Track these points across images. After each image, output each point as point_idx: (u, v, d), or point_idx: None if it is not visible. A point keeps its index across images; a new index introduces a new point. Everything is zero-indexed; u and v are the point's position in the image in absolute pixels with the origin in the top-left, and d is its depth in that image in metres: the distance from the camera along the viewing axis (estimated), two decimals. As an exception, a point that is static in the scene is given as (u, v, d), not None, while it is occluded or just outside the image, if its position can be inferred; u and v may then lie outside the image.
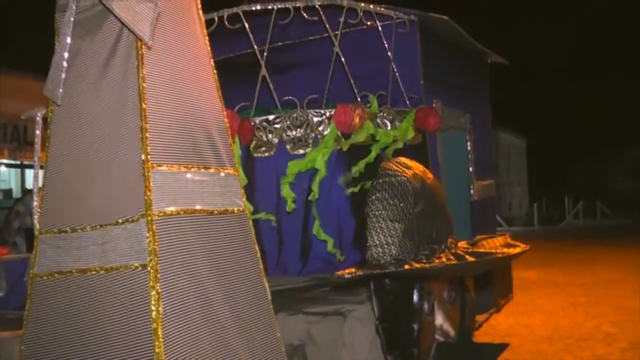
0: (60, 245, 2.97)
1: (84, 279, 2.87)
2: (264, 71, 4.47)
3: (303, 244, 4.44)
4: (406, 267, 3.77)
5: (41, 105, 3.90)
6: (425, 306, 4.09)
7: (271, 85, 4.49)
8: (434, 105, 5.54)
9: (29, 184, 11.32)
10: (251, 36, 4.56)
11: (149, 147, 2.75)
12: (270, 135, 4.41)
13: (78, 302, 2.87)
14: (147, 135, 2.75)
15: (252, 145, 4.45)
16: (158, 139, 2.81)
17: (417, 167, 4.45)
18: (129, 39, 2.88)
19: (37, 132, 3.89)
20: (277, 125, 4.43)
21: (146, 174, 2.72)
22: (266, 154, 4.41)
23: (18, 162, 11.83)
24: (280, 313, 3.30)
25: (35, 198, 3.84)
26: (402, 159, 4.48)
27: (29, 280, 3.08)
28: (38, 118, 3.89)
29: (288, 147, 4.42)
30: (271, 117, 4.43)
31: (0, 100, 10.00)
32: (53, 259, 2.99)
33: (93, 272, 2.84)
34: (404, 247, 3.94)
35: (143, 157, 2.73)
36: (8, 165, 13.09)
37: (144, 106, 2.78)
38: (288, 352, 3.27)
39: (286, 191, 4.24)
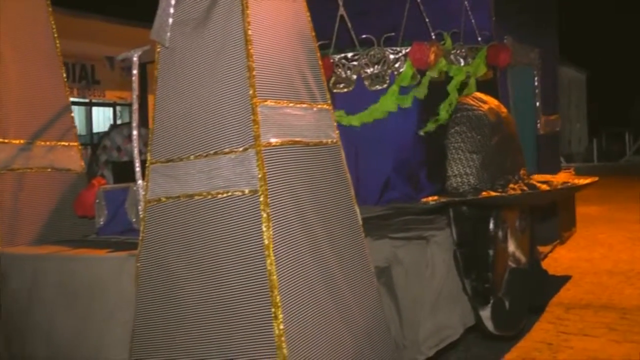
0: (168, 173, 3.28)
1: (191, 204, 3.17)
2: (342, 10, 4.64)
3: (381, 175, 4.68)
4: (484, 194, 3.99)
5: (136, 47, 4.17)
6: (500, 233, 4.31)
7: (349, 24, 4.66)
8: (505, 41, 5.62)
9: (96, 121, 11.78)
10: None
11: (256, 85, 2.99)
12: (348, 72, 4.60)
13: (187, 225, 3.18)
14: (253, 73, 2.99)
15: (331, 82, 4.66)
16: (262, 77, 3.05)
17: (492, 102, 4.61)
18: (233, -17, 3.09)
19: (134, 71, 4.14)
20: (355, 63, 4.62)
21: (254, 108, 2.97)
22: (345, 90, 4.62)
23: (86, 100, 12.16)
24: (367, 238, 3.57)
25: (134, 132, 4.16)
26: (478, 94, 4.64)
27: (143, 205, 3.41)
28: (135, 59, 4.14)
29: (366, 83, 4.62)
30: (349, 55, 4.62)
31: (69, 42, 10.36)
32: (162, 186, 3.31)
33: (199, 197, 3.14)
34: (481, 177, 4.14)
35: (251, 92, 2.98)
36: (75, 104, 13.61)
37: (249, 47, 3.01)
38: (375, 274, 3.56)
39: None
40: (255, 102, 2.98)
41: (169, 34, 3.29)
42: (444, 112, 4.72)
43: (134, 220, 4.05)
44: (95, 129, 11.20)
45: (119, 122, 12.15)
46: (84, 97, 11.82)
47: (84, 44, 8.37)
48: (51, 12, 4.79)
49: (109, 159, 5.60)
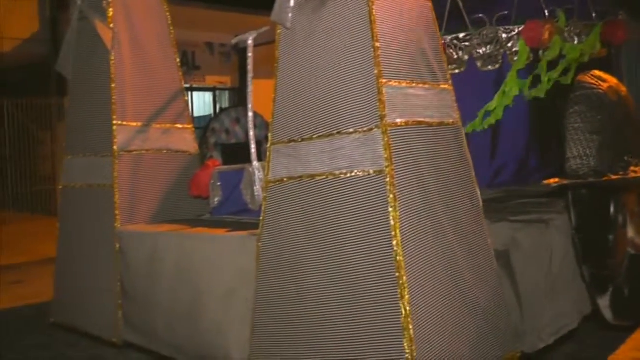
0: (290, 153, 3.31)
1: (313, 184, 3.20)
2: (453, -9, 4.55)
3: (492, 157, 4.58)
4: (605, 178, 3.82)
5: (252, 31, 4.24)
6: (620, 218, 4.13)
7: (460, 3, 4.56)
8: (620, 17, 5.37)
9: (197, 106, 12.04)
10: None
11: (380, 65, 2.98)
12: (460, 53, 4.52)
13: (310, 205, 3.21)
14: (379, 53, 2.98)
15: (443, 63, 4.58)
16: (387, 58, 3.03)
17: (612, 80, 4.40)
18: (356, -35, 3.08)
19: (250, 54, 4.22)
20: (467, 43, 4.52)
21: (380, 88, 2.96)
22: (457, 71, 4.53)
23: (187, 86, 12.54)
24: (486, 220, 3.50)
25: (250, 114, 4.24)
26: (597, 72, 4.45)
27: (264, 185, 3.47)
28: (250, 42, 4.21)
29: (478, 64, 4.52)
30: (461, 35, 4.53)
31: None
32: (284, 166, 3.34)
33: (322, 177, 3.16)
34: (602, 159, 3.97)
35: (376, 72, 2.96)
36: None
37: (374, 27, 2.99)
38: (494, 257, 3.50)
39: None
40: (381, 82, 2.97)
41: (290, 15, 3.31)
42: (545, 79, 4.54)
43: (249, 201, 4.13)
44: (196, 114, 11.51)
45: (218, 106, 12.44)
46: (185, 83, 12.18)
47: (184, 31, 8.59)
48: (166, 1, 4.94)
49: (217, 141, 5.74)
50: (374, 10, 3.01)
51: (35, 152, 11.74)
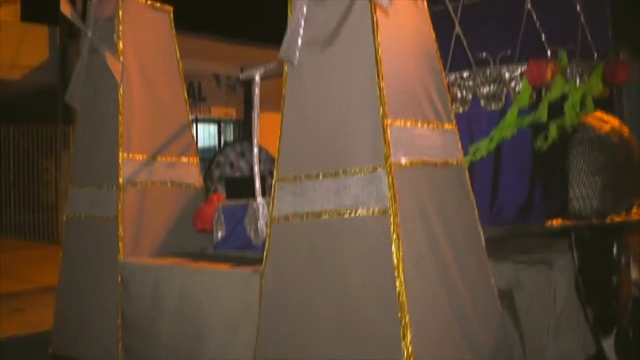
0: (296, 191, 3.33)
1: (318, 222, 3.21)
2: (458, 29, 4.61)
3: (493, 194, 4.60)
4: (608, 220, 3.83)
5: (259, 66, 4.29)
6: (624, 260, 4.13)
7: (465, 42, 4.63)
8: (621, 57, 5.43)
9: (201, 137, 12.09)
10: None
11: (386, 105, 3.01)
12: (464, 92, 4.56)
13: (315, 243, 3.22)
14: (385, 93, 3.01)
15: (446, 102, 4.63)
16: (392, 98, 3.07)
17: (614, 121, 4.44)
18: (363, 6, 3.14)
19: (257, 90, 4.26)
20: (471, 82, 4.57)
21: (385, 128, 2.99)
22: (460, 110, 4.57)
23: (193, 117, 12.64)
24: (489, 260, 3.50)
25: (255, 150, 4.27)
26: (600, 114, 4.49)
27: (269, 222, 3.48)
28: (257, 78, 4.26)
29: (482, 102, 4.56)
30: (465, 74, 4.58)
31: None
32: (290, 203, 3.36)
33: (327, 216, 3.18)
34: (605, 200, 3.99)
35: (382, 112, 3.00)
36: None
37: (380, 67, 3.03)
38: (498, 296, 3.49)
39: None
40: (386, 122, 3.00)
41: (298, 53, 3.36)
42: (553, 129, 4.60)
43: (252, 236, 4.15)
44: (201, 145, 11.57)
45: (223, 138, 12.49)
46: (191, 114, 12.28)
47: (192, 62, 8.68)
48: (175, 34, 5.01)
49: (222, 175, 5.77)
50: (380, 51, 3.05)
51: (40, 180, 11.78)
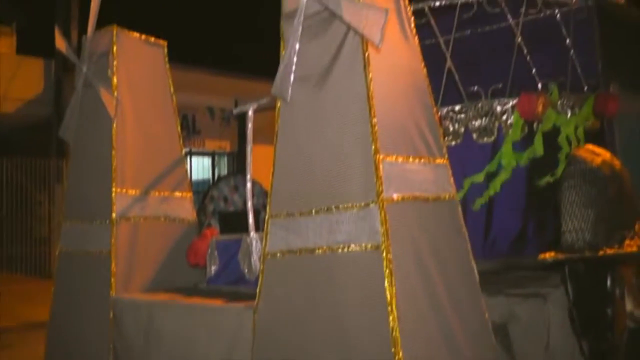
0: (289, 226, 3.33)
1: (312, 258, 3.21)
2: (449, 63, 4.66)
3: (487, 227, 4.61)
4: (601, 252, 3.84)
5: (252, 101, 4.31)
6: (617, 291, 4.13)
7: (456, 76, 4.68)
8: (612, 89, 5.50)
9: (195, 170, 12.11)
10: (436, 29, 4.77)
11: (378, 140, 3.03)
12: (456, 125, 4.60)
13: (308, 278, 3.21)
14: (376, 129, 3.03)
15: (438, 134, 4.66)
16: (384, 133, 3.09)
17: (605, 154, 4.48)
18: (354, 42, 3.17)
19: (249, 125, 4.28)
20: (463, 115, 4.61)
21: (377, 163, 3.00)
22: (452, 143, 4.60)
23: (187, 150, 12.62)
24: (483, 293, 3.50)
25: (248, 184, 4.28)
26: (591, 146, 4.53)
27: (262, 257, 3.47)
28: (250, 113, 4.28)
29: (474, 136, 4.59)
30: (457, 107, 4.62)
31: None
32: (283, 239, 3.35)
33: (320, 252, 3.17)
34: (597, 232, 4.00)
35: (373, 148, 3.02)
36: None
37: (372, 103, 3.06)
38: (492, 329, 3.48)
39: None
40: (378, 157, 3.01)
41: (290, 89, 3.39)
42: (561, 166, 4.65)
43: (246, 271, 4.13)
44: (195, 177, 11.53)
45: (217, 170, 12.49)
46: (184, 147, 12.28)
47: (186, 95, 8.71)
48: (169, 67, 5.05)
49: (216, 209, 5.77)
50: (372, 86, 3.08)
51: (32, 213, 11.72)
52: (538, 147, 4.54)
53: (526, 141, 4.62)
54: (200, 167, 12.72)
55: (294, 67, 3.37)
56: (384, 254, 2.91)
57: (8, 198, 11.52)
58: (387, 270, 2.89)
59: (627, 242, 4.23)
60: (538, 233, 4.82)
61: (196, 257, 4.47)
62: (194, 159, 12.33)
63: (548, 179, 4.46)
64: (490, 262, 4.60)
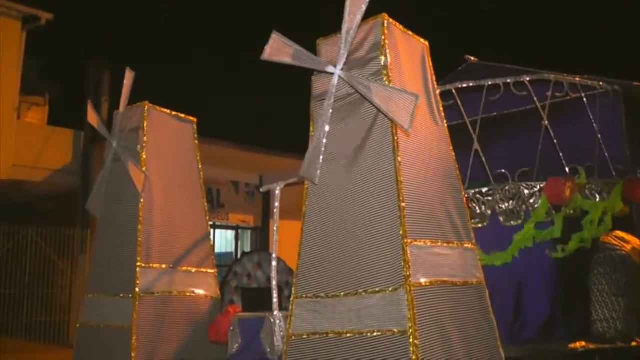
0: (316, 309, 3.29)
1: (339, 341, 3.15)
2: (476, 145, 4.68)
3: (516, 312, 4.51)
4: (634, 343, 3.74)
5: (280, 181, 4.34)
6: (650, 383, 3.99)
7: (483, 158, 4.68)
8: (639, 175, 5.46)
9: (219, 243, 12.07)
10: (463, 110, 4.82)
11: (406, 224, 3.02)
12: (483, 207, 4.58)
13: (333, 360, 3.15)
14: (404, 213, 3.03)
15: (465, 217, 4.64)
16: (412, 217, 3.08)
17: (635, 241, 4.43)
18: (384, 126, 3.21)
19: (276, 203, 4.29)
20: (490, 198, 4.59)
21: (405, 248, 2.98)
22: (479, 225, 4.57)
23: (211, 223, 12.61)
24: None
25: (274, 262, 4.25)
26: (620, 233, 4.48)
27: (286, 338, 3.42)
28: (277, 192, 4.30)
29: (501, 219, 4.56)
30: (484, 190, 4.61)
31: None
32: (309, 321, 3.31)
33: (348, 335, 3.12)
34: (629, 321, 3.92)
35: (401, 232, 3.00)
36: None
37: (401, 187, 3.07)
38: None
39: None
40: (405, 242, 3.00)
41: (319, 171, 3.41)
42: (573, 242, 4.58)
43: (268, 350, 4.05)
44: (217, 251, 11.51)
45: (240, 244, 12.50)
46: (208, 220, 12.32)
47: (211, 169, 8.80)
48: (197, 143, 5.13)
49: (239, 285, 5.72)
50: (400, 171, 3.10)
51: (54, 282, 11.73)
52: (557, 229, 4.50)
53: (550, 223, 4.57)
54: (223, 240, 12.70)
55: (323, 149, 3.40)
56: (411, 339, 2.86)
57: (31, 266, 11.56)
58: (414, 356, 2.84)
59: (659, 331, 4.11)
60: (566, 319, 4.70)
61: (218, 334, 4.41)
62: (218, 232, 12.33)
63: (559, 253, 4.41)
64: (519, 347, 4.47)
